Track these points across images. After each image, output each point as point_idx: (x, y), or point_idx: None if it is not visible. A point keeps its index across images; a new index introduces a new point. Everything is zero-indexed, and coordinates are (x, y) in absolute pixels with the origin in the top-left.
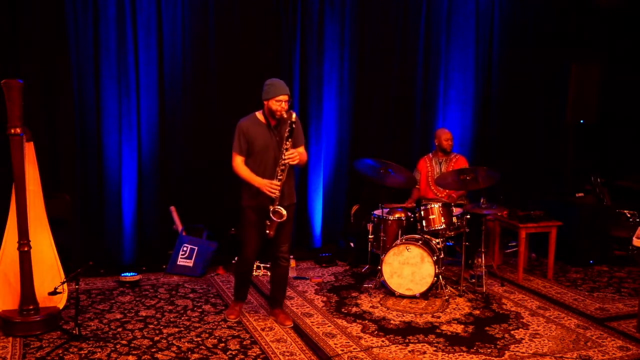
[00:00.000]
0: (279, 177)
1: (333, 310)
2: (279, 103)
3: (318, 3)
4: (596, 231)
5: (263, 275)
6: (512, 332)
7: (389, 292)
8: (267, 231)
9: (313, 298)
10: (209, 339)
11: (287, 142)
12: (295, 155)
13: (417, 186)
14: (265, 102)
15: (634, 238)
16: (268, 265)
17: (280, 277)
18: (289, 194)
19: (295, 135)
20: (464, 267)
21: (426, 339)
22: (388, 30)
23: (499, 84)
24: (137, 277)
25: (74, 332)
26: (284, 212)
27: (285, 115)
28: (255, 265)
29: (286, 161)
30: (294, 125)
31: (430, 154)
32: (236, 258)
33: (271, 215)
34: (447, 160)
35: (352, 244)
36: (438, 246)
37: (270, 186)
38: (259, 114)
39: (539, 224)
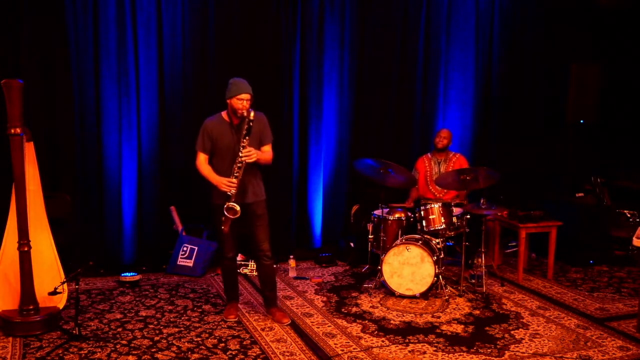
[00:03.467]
0: (235, 175)
1: (333, 310)
2: (241, 102)
3: (318, 3)
4: (596, 231)
5: None
6: (512, 332)
7: (389, 292)
8: (222, 227)
9: (313, 298)
10: (209, 339)
11: (244, 140)
12: (252, 153)
13: (415, 186)
14: (228, 101)
15: (634, 238)
16: None
17: (266, 276)
18: (254, 191)
19: (262, 134)
20: (464, 267)
21: (426, 339)
22: (388, 30)
23: (499, 84)
24: (137, 277)
25: (74, 332)
26: (238, 208)
27: (245, 114)
28: (255, 265)
29: (242, 159)
30: (251, 124)
31: (429, 154)
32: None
33: (225, 211)
34: (447, 159)
35: (352, 244)
36: (438, 246)
37: (226, 183)
38: (224, 114)
39: (539, 224)
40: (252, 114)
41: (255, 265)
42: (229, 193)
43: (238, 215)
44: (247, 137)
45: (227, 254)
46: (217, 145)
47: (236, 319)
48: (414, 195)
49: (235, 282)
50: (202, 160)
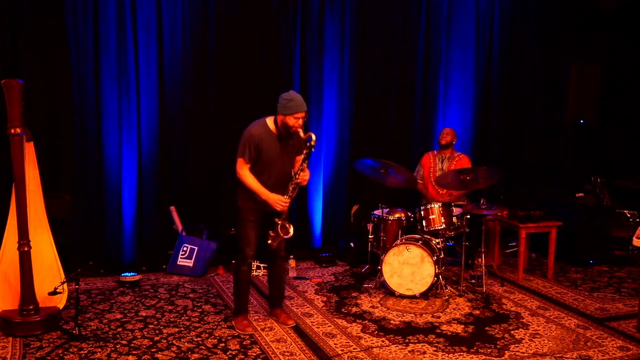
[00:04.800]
0: (290, 195)
1: (333, 310)
2: (297, 120)
3: (318, 3)
4: (596, 231)
5: (263, 275)
6: (512, 332)
7: (389, 292)
8: (269, 242)
9: (313, 298)
10: (209, 339)
11: (304, 164)
12: (308, 177)
13: (420, 181)
14: (282, 117)
15: (634, 238)
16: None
17: (278, 277)
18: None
19: (300, 149)
20: (464, 267)
21: (426, 339)
22: (388, 30)
23: (499, 84)
24: (137, 277)
25: (74, 332)
26: (291, 230)
27: (302, 135)
28: (255, 265)
29: (300, 182)
30: (312, 150)
31: (435, 151)
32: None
33: (279, 229)
34: (451, 157)
35: (352, 244)
36: (438, 246)
37: (281, 202)
38: (270, 122)
39: (539, 224)
40: (313, 138)
41: (255, 266)
42: (281, 211)
43: (290, 236)
44: (306, 161)
45: (248, 259)
46: (263, 156)
47: (252, 331)
48: (424, 191)
49: (248, 290)
50: (247, 171)
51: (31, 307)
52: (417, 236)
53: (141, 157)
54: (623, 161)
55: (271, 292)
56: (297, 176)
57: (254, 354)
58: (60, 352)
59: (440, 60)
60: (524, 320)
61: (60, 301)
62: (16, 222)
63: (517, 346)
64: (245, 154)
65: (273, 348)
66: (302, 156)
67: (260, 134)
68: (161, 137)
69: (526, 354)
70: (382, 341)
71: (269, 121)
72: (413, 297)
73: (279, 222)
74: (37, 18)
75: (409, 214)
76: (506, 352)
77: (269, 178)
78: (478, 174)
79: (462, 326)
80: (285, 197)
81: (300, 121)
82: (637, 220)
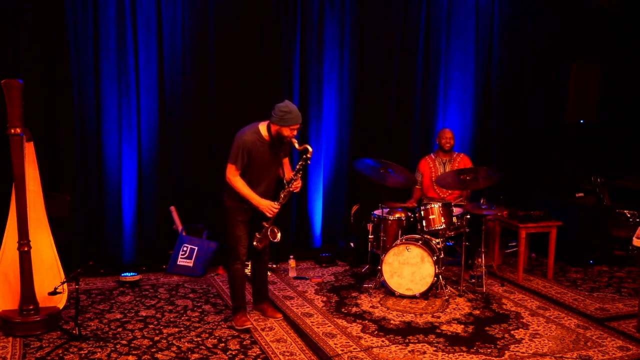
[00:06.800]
0: (281, 202)
1: (333, 310)
2: (293, 131)
3: (318, 3)
4: (596, 231)
5: None
6: (512, 332)
7: (389, 292)
8: (255, 243)
9: (313, 298)
10: (209, 339)
11: (298, 175)
12: (300, 185)
13: (417, 186)
14: (278, 127)
15: (634, 238)
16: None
17: (263, 272)
18: (269, 197)
19: (286, 150)
20: (464, 267)
21: (426, 339)
22: (388, 30)
23: (499, 84)
24: (137, 277)
25: (74, 332)
26: (279, 235)
27: (297, 146)
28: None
29: (293, 190)
30: (309, 162)
31: (432, 154)
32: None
33: (268, 233)
34: (451, 160)
35: (352, 244)
36: (438, 246)
37: (271, 208)
38: (262, 129)
39: (539, 224)
40: (309, 150)
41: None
42: (270, 216)
43: (277, 241)
44: (300, 172)
45: (242, 257)
46: (253, 163)
47: (251, 326)
48: (416, 195)
49: (244, 287)
50: (238, 177)
51: (31, 307)
52: (417, 236)
53: (141, 157)
54: (623, 161)
55: (256, 286)
56: (290, 185)
57: (254, 354)
58: (60, 352)
59: (440, 60)
60: (524, 320)
61: (60, 301)
62: (16, 222)
63: (517, 346)
64: (237, 161)
65: (273, 348)
66: (298, 166)
67: (253, 141)
68: (161, 137)
69: (526, 354)
70: (382, 341)
71: (262, 128)
72: (413, 297)
73: (268, 227)
74: (37, 18)
75: (409, 214)
76: (506, 352)
77: (259, 184)
78: (478, 174)
79: (462, 326)
80: (276, 203)
81: (295, 132)
82: (637, 220)
